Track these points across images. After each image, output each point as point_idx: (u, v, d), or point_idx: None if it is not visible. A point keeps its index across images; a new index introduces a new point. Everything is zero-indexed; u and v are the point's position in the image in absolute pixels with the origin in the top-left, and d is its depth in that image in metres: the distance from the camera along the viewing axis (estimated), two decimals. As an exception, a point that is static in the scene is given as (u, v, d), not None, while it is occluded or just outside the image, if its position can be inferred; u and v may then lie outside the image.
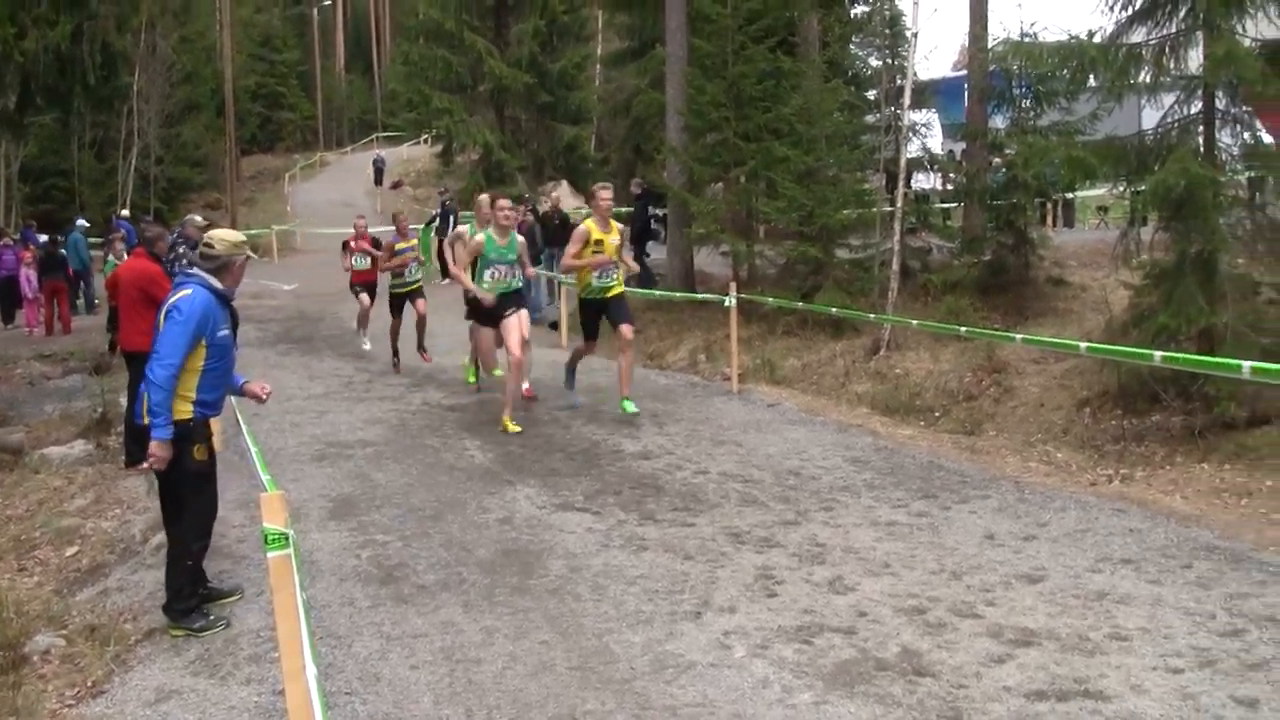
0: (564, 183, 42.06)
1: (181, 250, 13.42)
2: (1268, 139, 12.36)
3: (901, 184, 16.74)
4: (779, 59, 20.13)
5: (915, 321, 13.35)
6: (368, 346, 18.86)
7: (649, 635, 6.54)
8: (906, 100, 16.76)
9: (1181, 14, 11.40)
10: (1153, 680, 5.65)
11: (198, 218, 16.70)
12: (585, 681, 5.95)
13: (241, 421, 8.94)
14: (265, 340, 20.70)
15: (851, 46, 24.12)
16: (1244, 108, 11.49)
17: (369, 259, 18.96)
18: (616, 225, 13.02)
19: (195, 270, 7.24)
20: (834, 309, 14.93)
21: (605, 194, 13.16)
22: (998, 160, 17.97)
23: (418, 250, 17.90)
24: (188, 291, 7.06)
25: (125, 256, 16.53)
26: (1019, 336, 10.80)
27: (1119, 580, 7.14)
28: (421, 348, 17.25)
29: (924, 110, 20.64)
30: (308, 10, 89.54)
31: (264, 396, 7.76)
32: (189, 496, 7.19)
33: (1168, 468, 9.98)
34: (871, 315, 13.51)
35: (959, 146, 21.39)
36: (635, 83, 33.76)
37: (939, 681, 5.78)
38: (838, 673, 5.93)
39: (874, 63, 22.19)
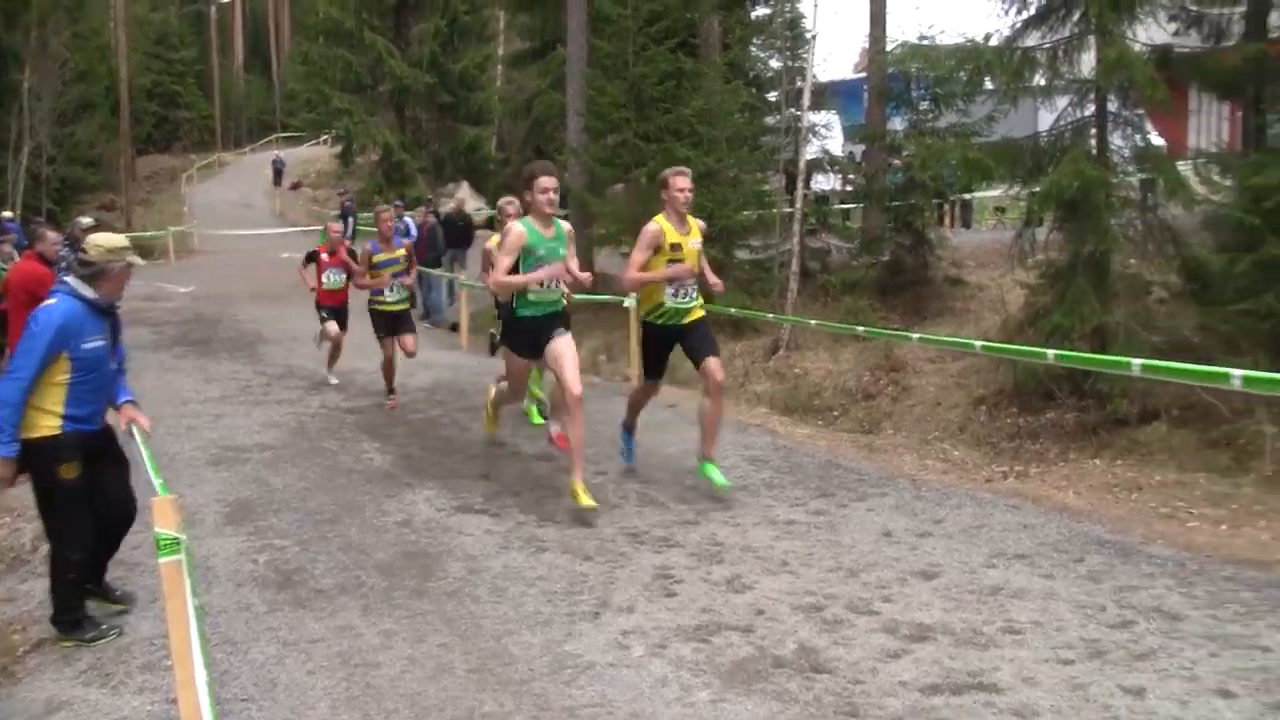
0: (465, 183, 41.93)
1: (63, 253, 13.14)
2: (1158, 141, 12.58)
3: (801, 185, 16.83)
4: (680, 60, 20.18)
5: (814, 321, 13.42)
6: (334, 381, 15.76)
7: (548, 636, 6.50)
8: (806, 102, 16.88)
9: (1074, 18, 11.58)
10: (1044, 672, 5.72)
11: (85, 219, 16.21)
12: (484, 683, 5.90)
13: (134, 426, 8.79)
14: (160, 344, 20.32)
15: (752, 48, 24.20)
16: (1135, 110, 11.68)
17: (345, 274, 15.52)
18: (697, 224, 9.86)
19: (68, 277, 6.96)
20: (733, 309, 14.97)
21: (683, 180, 9.59)
22: (896, 162, 18.14)
23: (404, 262, 14.37)
24: (51, 301, 6.66)
25: (16, 258, 16.18)
26: (916, 336, 10.92)
27: (1012, 575, 7.22)
28: (391, 389, 14.21)
29: (824, 112, 20.82)
30: (204, 8, 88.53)
31: (124, 425, 7.40)
32: (62, 513, 6.92)
33: (1061, 464, 10.12)
34: (771, 315, 13.64)
35: (859, 148, 21.56)
36: (536, 83, 33.78)
37: (835, 678, 5.79)
38: (735, 670, 5.93)
39: (775, 64, 22.30)
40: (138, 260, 7.01)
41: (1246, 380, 7.19)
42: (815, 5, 17.58)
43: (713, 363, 9.47)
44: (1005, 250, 12.83)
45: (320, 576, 7.70)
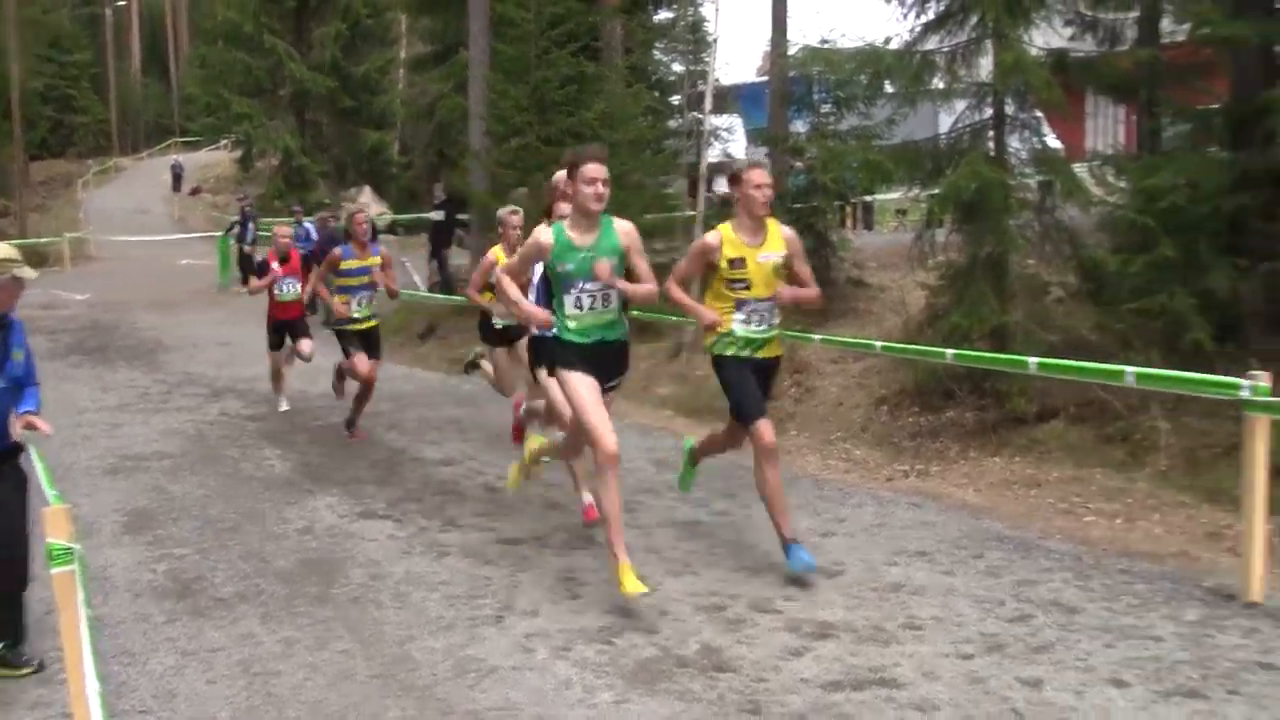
0: (367, 188, 41.60)
1: None
2: (1056, 144, 12.73)
3: (703, 188, 16.87)
4: (582, 64, 20.12)
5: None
6: (284, 407, 14.07)
7: (451, 641, 6.49)
8: (707, 105, 16.92)
9: (972, 23, 11.67)
10: (944, 667, 5.80)
11: (-26, 227, 15.91)
12: (386, 689, 5.88)
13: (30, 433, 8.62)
14: (56, 352, 20.01)
15: (655, 52, 24.25)
16: (1032, 113, 11.81)
17: (298, 285, 13.82)
18: (781, 231, 7.65)
19: None
20: (635, 312, 14.94)
21: (760, 175, 7.47)
22: (799, 164, 18.20)
23: (376, 272, 12.07)
24: None
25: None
26: (817, 338, 10.95)
27: (913, 572, 7.31)
28: (352, 423, 12.36)
29: (727, 115, 20.88)
30: (100, 10, 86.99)
31: (19, 431, 6.99)
32: None
33: (961, 462, 10.22)
34: (673, 318, 13.59)
35: (762, 151, 21.64)
36: (439, 87, 33.54)
37: (739, 676, 5.85)
38: (639, 671, 5.96)
39: (677, 68, 22.38)
40: (27, 273, 6.59)
41: (1139, 377, 7.34)
42: (716, 9, 17.82)
43: (763, 425, 7.44)
44: (906, 252, 12.91)
45: (220, 585, 7.63)
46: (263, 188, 45.65)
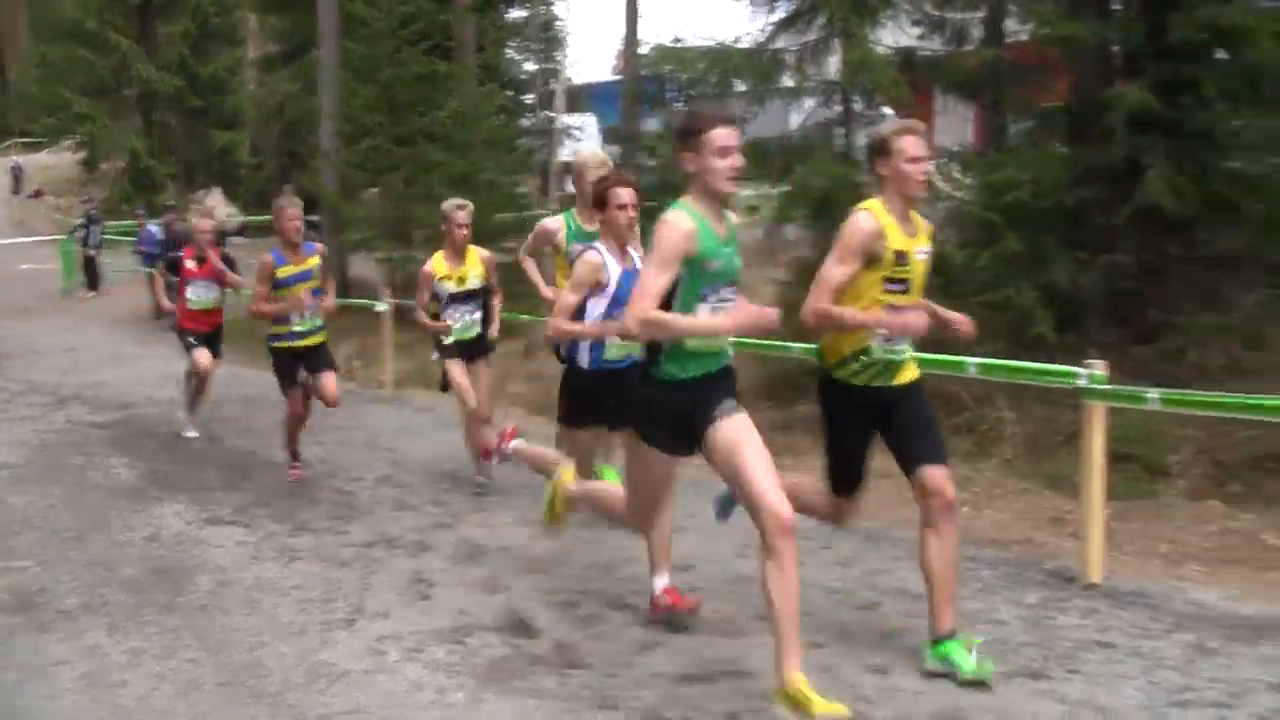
0: (217, 189, 40.88)
1: None
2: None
3: (554, 187, 16.85)
4: (434, 63, 20.04)
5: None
6: (192, 434, 12.36)
7: (302, 646, 6.40)
8: (559, 103, 16.90)
9: (821, 22, 11.82)
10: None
11: None
12: (235, 697, 5.77)
13: None
14: (-113, 365, 19.38)
15: (508, 50, 24.20)
16: (880, 111, 11.97)
17: (217, 286, 12.03)
18: (924, 223, 5.90)
19: None
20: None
21: (914, 144, 5.53)
22: (652, 163, 18.28)
23: (318, 275, 10.15)
24: None
25: None
26: (669, 334, 11.01)
27: (763, 565, 7.33)
28: (295, 456, 10.57)
29: (580, 114, 20.90)
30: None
31: None
32: None
33: (812, 455, 10.22)
34: (524, 316, 13.54)
35: (616, 149, 21.71)
36: (288, 87, 33.12)
37: (591, 672, 5.85)
38: (491, 670, 5.94)
39: (530, 67, 22.33)
40: None
41: (981, 368, 7.52)
42: (569, 8, 17.96)
43: (939, 475, 5.70)
44: (757, 247, 13.00)
45: (64, 597, 7.42)
46: (108, 190, 44.71)
